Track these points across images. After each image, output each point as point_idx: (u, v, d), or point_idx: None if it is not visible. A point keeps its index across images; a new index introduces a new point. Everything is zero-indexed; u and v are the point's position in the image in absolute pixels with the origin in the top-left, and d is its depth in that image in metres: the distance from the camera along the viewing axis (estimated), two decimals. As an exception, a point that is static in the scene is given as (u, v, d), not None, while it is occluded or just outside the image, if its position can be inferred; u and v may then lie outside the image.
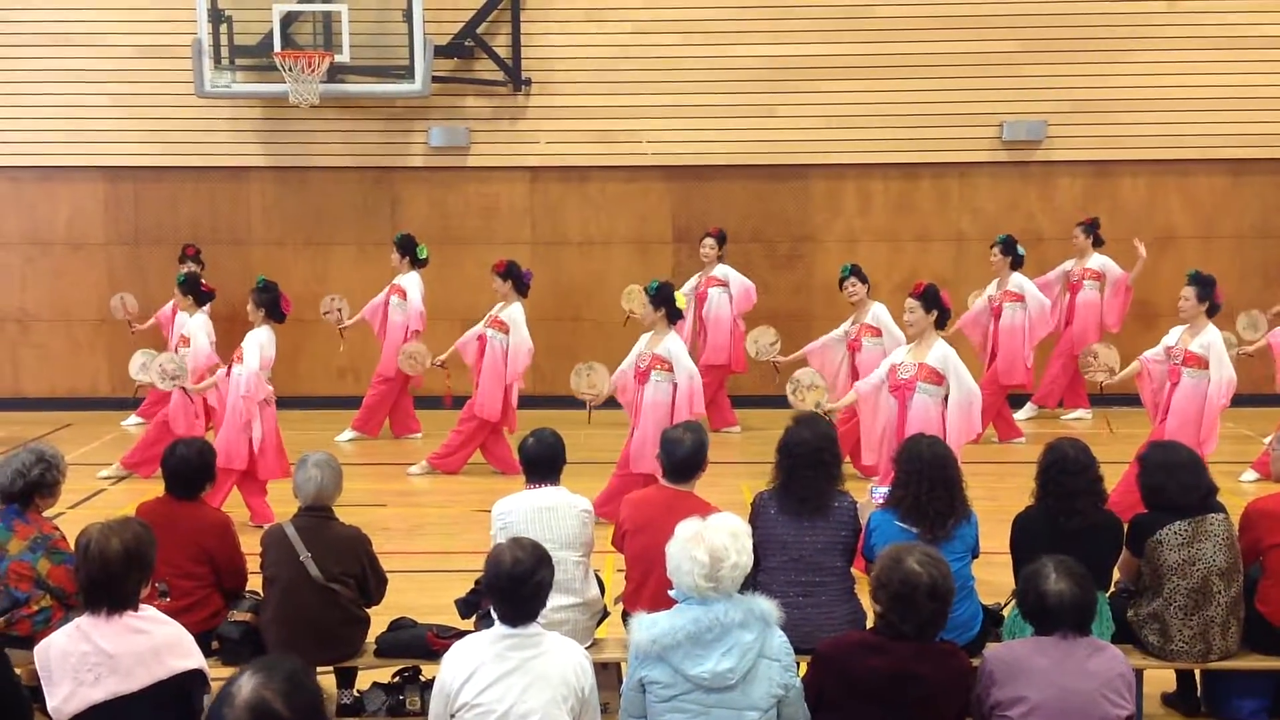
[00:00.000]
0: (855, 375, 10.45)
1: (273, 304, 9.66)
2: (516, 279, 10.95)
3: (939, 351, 8.49)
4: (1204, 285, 9.22)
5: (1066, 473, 6.00)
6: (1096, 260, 12.75)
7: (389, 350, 12.07)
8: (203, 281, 11.00)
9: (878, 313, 10.82)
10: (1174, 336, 9.26)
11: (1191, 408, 8.99)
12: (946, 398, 8.44)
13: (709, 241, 12.64)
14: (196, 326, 10.45)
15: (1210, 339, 9.07)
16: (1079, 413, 13.02)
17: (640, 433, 9.07)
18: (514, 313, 10.91)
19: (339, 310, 12.67)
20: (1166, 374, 9.20)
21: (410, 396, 12.50)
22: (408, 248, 12.21)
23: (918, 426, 7.92)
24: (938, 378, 8.41)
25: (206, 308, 10.62)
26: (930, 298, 8.55)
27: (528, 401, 12.75)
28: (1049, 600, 4.74)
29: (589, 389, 9.69)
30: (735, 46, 13.65)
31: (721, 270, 12.60)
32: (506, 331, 10.87)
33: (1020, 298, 12.13)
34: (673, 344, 9.15)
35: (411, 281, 12.13)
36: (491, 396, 10.87)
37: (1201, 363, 9.01)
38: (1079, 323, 12.74)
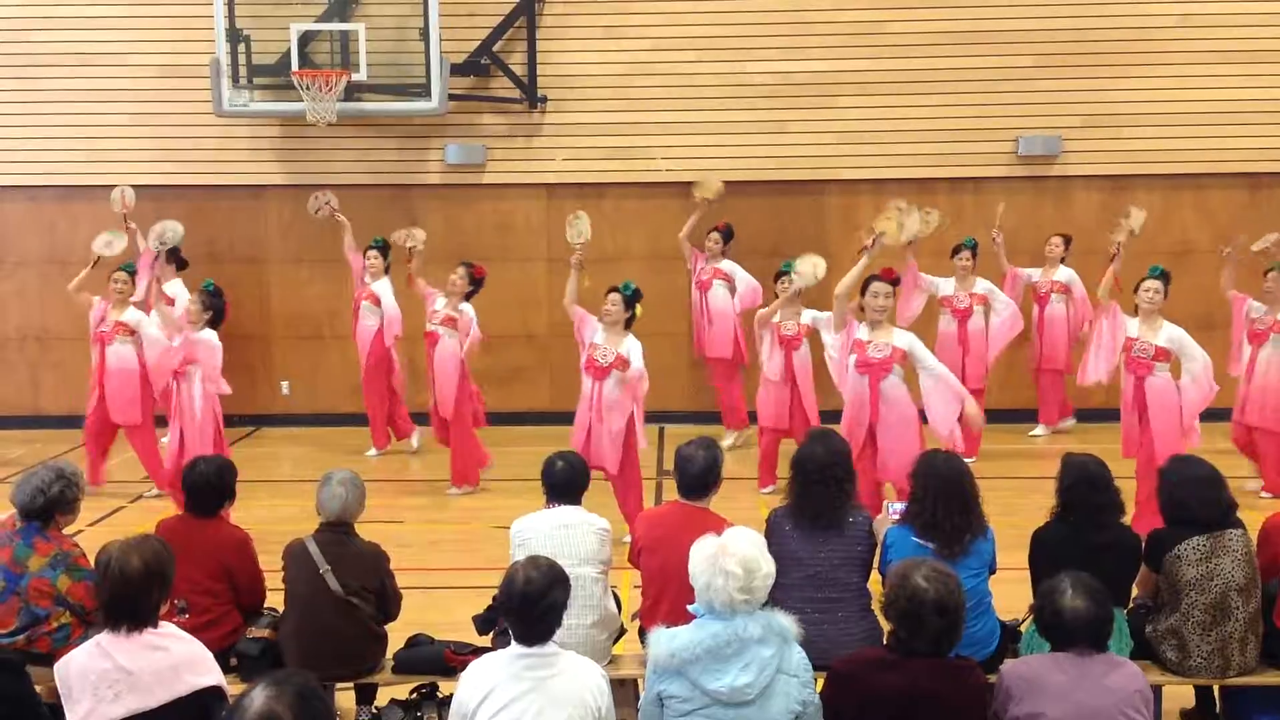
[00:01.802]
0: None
1: (220, 310, 9.84)
2: (478, 286, 11.21)
3: (905, 337, 8.96)
4: (1169, 281, 9.43)
5: (1094, 488, 6.00)
6: (1064, 273, 12.72)
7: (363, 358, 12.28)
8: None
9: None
10: (1134, 328, 9.32)
11: (1170, 402, 9.13)
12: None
13: (714, 236, 12.70)
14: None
15: (1175, 333, 9.24)
16: (1040, 429, 13.09)
17: (604, 428, 9.27)
18: (466, 308, 11.05)
19: (328, 204, 12.76)
20: (1126, 364, 9.31)
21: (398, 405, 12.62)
22: (388, 250, 12.36)
23: (891, 406, 8.66)
24: (905, 360, 8.81)
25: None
26: (898, 283, 9.34)
27: (545, 418, 12.80)
28: (1065, 616, 4.74)
29: (579, 238, 9.91)
30: (750, 63, 13.68)
31: (728, 265, 12.65)
32: (457, 327, 11.00)
33: (985, 300, 12.13)
34: (633, 344, 9.35)
35: (385, 287, 12.25)
36: (447, 393, 11.01)
37: (1170, 356, 9.18)
38: (1048, 337, 12.73)
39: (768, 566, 4.61)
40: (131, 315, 10.92)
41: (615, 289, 9.47)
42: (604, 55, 13.74)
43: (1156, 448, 8.88)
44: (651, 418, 12.41)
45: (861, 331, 8.92)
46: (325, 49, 13.51)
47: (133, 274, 11.10)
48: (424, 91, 13.16)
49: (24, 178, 13.94)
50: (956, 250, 12.27)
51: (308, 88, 12.77)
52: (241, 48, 13.22)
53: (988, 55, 13.57)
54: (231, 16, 13.04)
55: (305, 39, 13.17)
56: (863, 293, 9.01)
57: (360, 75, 12.97)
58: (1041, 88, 13.60)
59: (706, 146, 13.70)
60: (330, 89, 12.77)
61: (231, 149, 13.84)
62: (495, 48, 13.64)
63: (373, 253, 12.32)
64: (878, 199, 13.89)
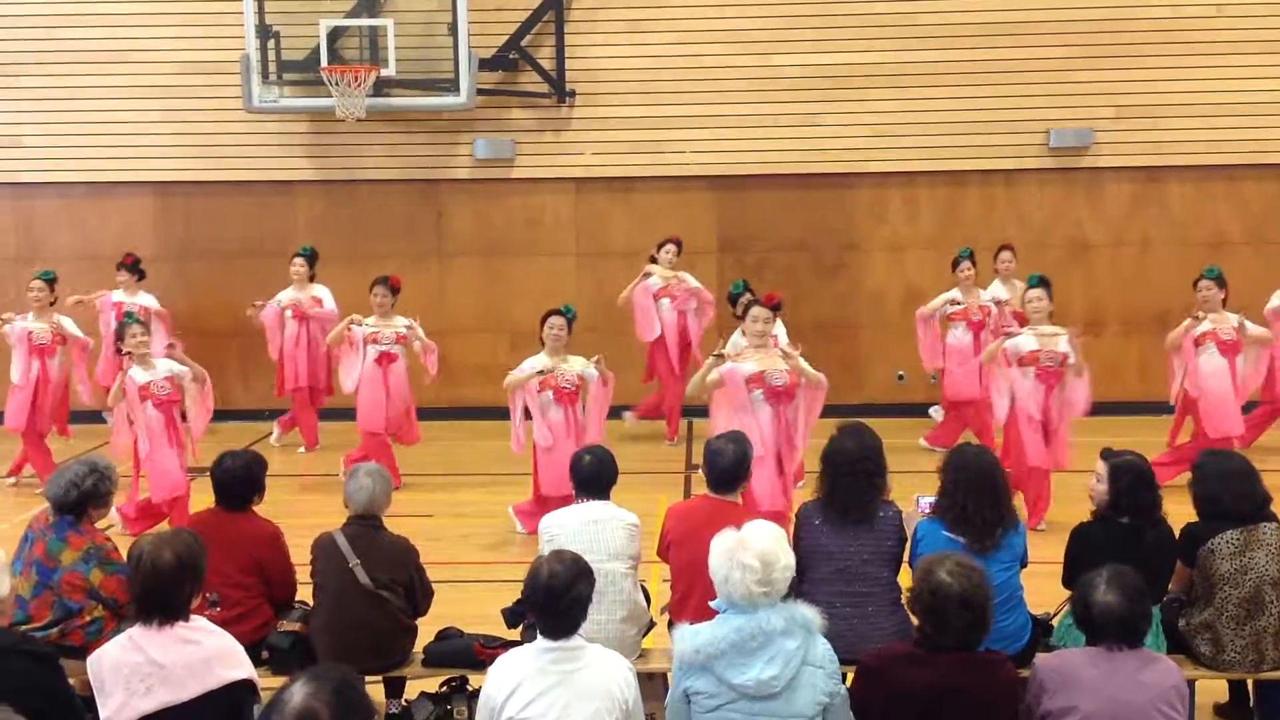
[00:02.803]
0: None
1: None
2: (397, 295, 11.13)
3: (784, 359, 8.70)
4: (1049, 285, 9.38)
5: (1149, 486, 5.98)
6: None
7: (313, 362, 12.32)
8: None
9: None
10: (1031, 341, 9.28)
11: (1068, 408, 9.22)
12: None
13: (670, 248, 12.50)
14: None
15: (1063, 336, 9.22)
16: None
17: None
18: (400, 323, 11.01)
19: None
20: (1036, 376, 9.21)
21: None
22: (315, 260, 12.47)
23: (795, 432, 8.43)
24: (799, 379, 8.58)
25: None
26: (779, 308, 8.98)
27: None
28: (1094, 611, 4.71)
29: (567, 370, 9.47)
30: (779, 56, 13.65)
31: (686, 276, 12.57)
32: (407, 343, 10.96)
33: (990, 311, 11.86)
34: (580, 363, 9.34)
35: (324, 290, 12.34)
36: (406, 412, 11.05)
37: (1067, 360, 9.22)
38: None
39: (786, 559, 4.60)
40: (62, 321, 11.25)
41: (558, 312, 9.44)
42: (632, 49, 13.73)
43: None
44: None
45: (747, 364, 8.54)
46: (354, 44, 13.56)
47: (49, 281, 11.40)
48: (452, 86, 13.18)
49: (55, 174, 14.04)
50: (956, 263, 11.93)
51: (337, 83, 12.81)
52: (271, 44, 13.28)
53: (1019, 46, 13.49)
54: (261, 13, 13.08)
55: (334, 35, 13.23)
56: (742, 317, 9.11)
57: (389, 70, 13.01)
58: (1073, 79, 13.51)
59: (735, 140, 13.68)
60: (359, 84, 12.81)
61: (261, 145, 13.91)
62: (523, 42, 13.66)
63: (298, 260, 12.41)
64: (907, 192, 13.88)
